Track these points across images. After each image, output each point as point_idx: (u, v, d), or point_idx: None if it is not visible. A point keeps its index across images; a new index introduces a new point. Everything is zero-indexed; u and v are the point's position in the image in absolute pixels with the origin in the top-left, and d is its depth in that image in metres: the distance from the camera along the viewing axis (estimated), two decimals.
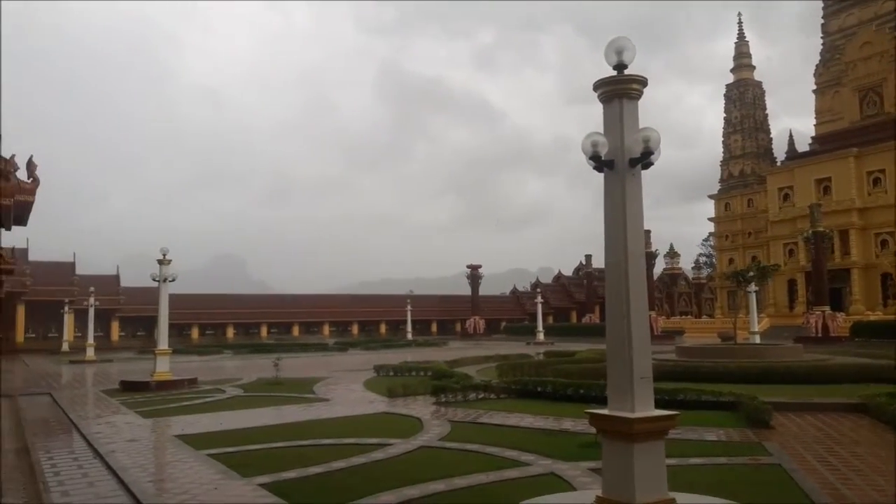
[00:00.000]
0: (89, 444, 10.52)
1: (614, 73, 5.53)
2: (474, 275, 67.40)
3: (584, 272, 71.85)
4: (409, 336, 55.43)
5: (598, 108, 5.67)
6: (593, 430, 6.81)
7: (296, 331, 63.49)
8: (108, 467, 8.79)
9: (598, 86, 5.59)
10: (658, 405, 5.53)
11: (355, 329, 66.08)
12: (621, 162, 5.44)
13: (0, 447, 10.77)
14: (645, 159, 5.40)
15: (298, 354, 36.87)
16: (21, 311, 50.82)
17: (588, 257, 72.57)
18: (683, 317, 65.89)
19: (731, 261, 66.82)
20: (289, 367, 23.85)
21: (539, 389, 14.86)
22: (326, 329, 65.33)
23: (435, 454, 9.22)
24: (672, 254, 69.48)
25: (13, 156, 15.85)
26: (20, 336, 50.99)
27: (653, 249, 55.45)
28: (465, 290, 68.65)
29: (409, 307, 58.44)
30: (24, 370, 29.85)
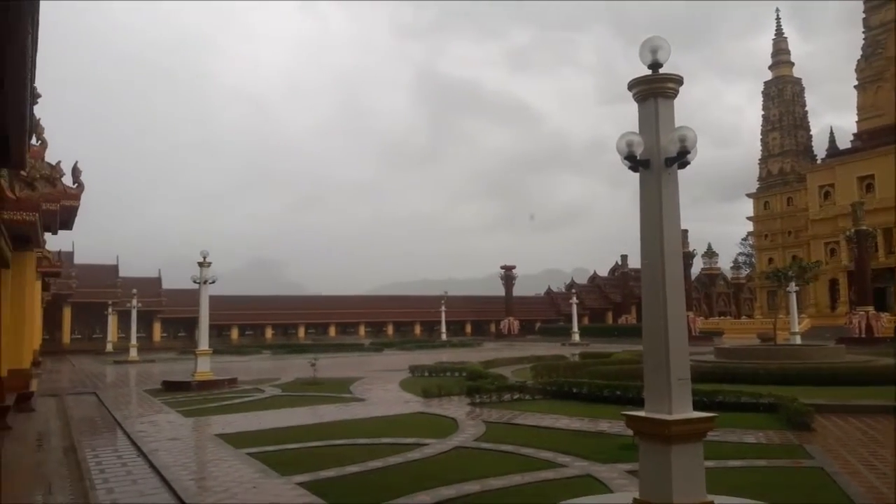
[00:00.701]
0: (133, 443, 10.78)
1: (649, 71, 5.50)
2: (508, 275, 67.24)
3: (620, 272, 71.22)
4: (444, 337, 55.54)
5: (634, 107, 5.64)
6: (630, 431, 6.75)
7: (332, 331, 64.11)
8: (151, 465, 9.00)
9: (633, 85, 5.56)
10: (696, 407, 5.48)
11: (390, 330, 66.46)
12: (657, 161, 5.40)
13: (49, 445, 11.11)
14: (681, 158, 5.36)
15: (335, 355, 37.24)
16: (67, 313, 52.22)
17: (624, 257, 71.92)
18: (722, 317, 64.80)
19: (770, 260, 65.53)
20: (325, 367, 24.12)
21: (574, 391, 14.79)
22: (362, 330, 65.82)
23: (470, 455, 9.25)
24: (710, 254, 68.44)
25: (59, 162, 16.34)
26: (66, 337, 52.40)
27: (690, 249, 54.67)
28: (499, 290, 68.52)
29: (443, 308, 58.55)
30: (71, 370, 30.67)
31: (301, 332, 63.11)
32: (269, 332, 61.69)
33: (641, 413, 5.44)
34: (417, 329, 67.44)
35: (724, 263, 73.59)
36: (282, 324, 62.96)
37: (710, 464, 6.36)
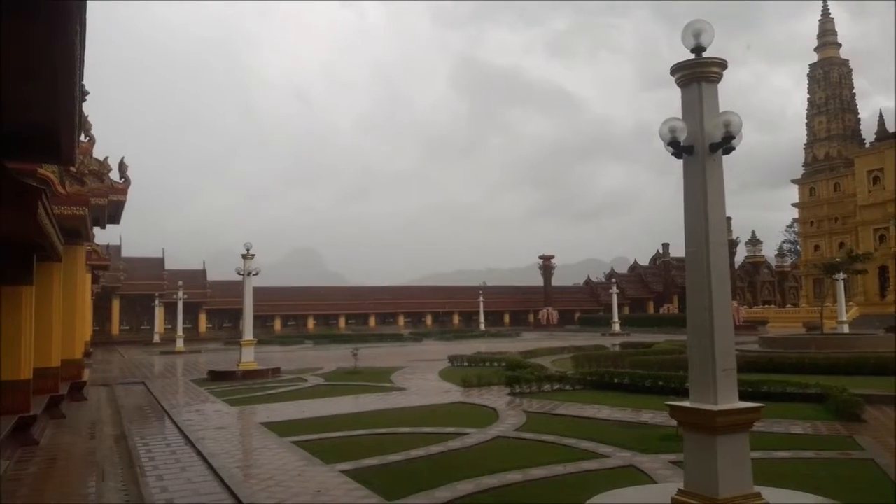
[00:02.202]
0: (181, 431, 11.05)
1: (692, 56, 5.39)
2: (547, 265, 66.87)
3: (662, 261, 70.22)
4: (482, 327, 55.55)
5: (677, 92, 5.54)
6: (673, 422, 6.69)
7: (372, 321, 64.64)
8: (199, 453, 9.22)
9: (675, 70, 5.46)
10: (741, 397, 5.39)
11: (429, 320, 66.73)
12: (701, 147, 5.31)
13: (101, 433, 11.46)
14: (726, 144, 5.25)
15: (375, 345, 37.57)
16: (116, 305, 53.64)
17: (665, 246, 70.85)
18: (766, 306, 63.50)
19: (816, 247, 63.93)
20: (366, 356, 24.34)
21: (616, 381, 14.68)
22: (401, 320, 66.19)
23: (511, 444, 9.25)
24: (754, 241, 67.07)
25: (106, 158, 16.74)
26: (115, 328, 53.85)
27: (734, 237, 53.64)
28: (538, 280, 68.19)
29: (481, 298, 58.52)
30: (120, 360, 31.53)
31: (342, 322, 63.76)
32: (310, 323, 62.46)
33: (686, 403, 5.38)
34: (456, 319, 67.54)
35: (769, 251, 72.08)
36: (323, 314, 63.67)
37: (755, 455, 6.25)
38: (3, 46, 4.87)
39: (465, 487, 6.89)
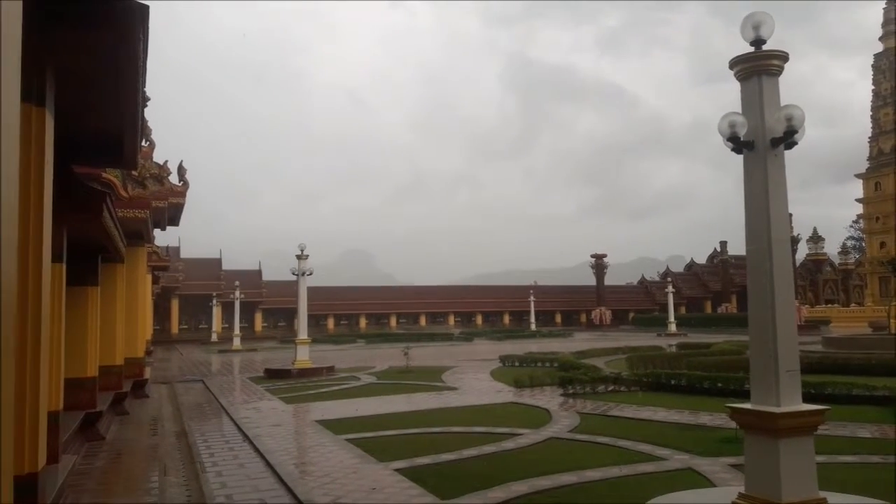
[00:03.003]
0: (238, 428, 11.31)
1: (751, 49, 5.25)
2: (599, 264, 66.06)
3: (719, 259, 68.53)
4: (533, 327, 55.23)
5: (735, 87, 5.40)
6: (732, 424, 6.52)
7: (423, 321, 64.94)
8: (256, 450, 9.42)
9: (734, 63, 5.32)
10: (804, 399, 5.23)
11: (479, 319, 66.68)
12: (762, 142, 5.16)
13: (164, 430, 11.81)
14: (788, 139, 5.09)
15: (426, 344, 37.76)
16: (175, 305, 55.22)
17: (723, 244, 69.13)
18: (829, 305, 61.37)
19: (882, 244, 61.46)
20: (417, 356, 24.48)
21: (672, 382, 14.41)
22: (451, 319, 66.34)
23: (565, 446, 9.17)
24: (816, 238, 64.93)
25: (166, 161, 17.24)
26: (175, 327, 55.44)
27: (795, 234, 52.01)
28: (589, 280, 67.40)
29: (532, 298, 58.19)
30: (179, 359, 32.45)
31: (393, 321, 64.26)
32: (362, 322, 63.17)
33: (747, 405, 5.24)
34: (506, 319, 67.33)
35: (831, 249, 69.60)
36: (375, 313, 64.30)
37: (820, 458, 6.05)
38: (70, 54, 5.06)
39: (518, 488, 6.86)
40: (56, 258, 6.34)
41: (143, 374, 17.14)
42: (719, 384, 13.34)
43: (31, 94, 4.68)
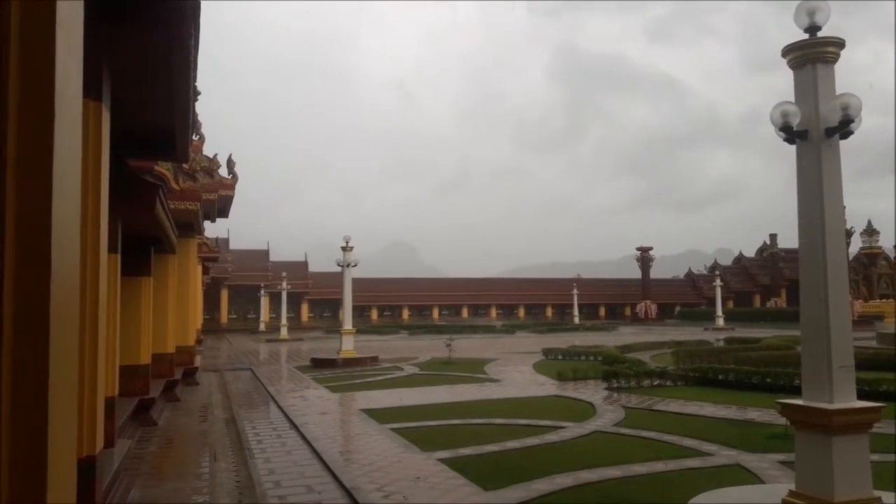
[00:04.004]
0: (286, 416, 11.52)
1: (806, 36, 5.10)
2: (645, 257, 65.15)
3: (769, 253, 66.91)
4: (576, 320, 54.83)
5: (788, 75, 5.25)
6: (782, 420, 6.40)
7: (465, 313, 65.07)
8: (303, 437, 9.59)
9: (788, 51, 5.18)
10: (858, 396, 5.08)
11: (521, 312, 66.49)
12: (816, 132, 5.01)
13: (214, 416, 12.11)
14: (843, 128, 4.94)
15: (468, 336, 37.81)
16: (224, 295, 56.43)
17: (773, 237, 67.50)
18: (884, 300, 59.34)
19: None
20: (459, 347, 24.53)
21: (720, 377, 14.17)
22: (494, 311, 66.28)
23: (610, 439, 9.10)
24: (870, 231, 62.84)
25: (215, 155, 17.61)
26: (224, 317, 56.67)
27: (848, 227, 50.44)
28: (634, 273, 66.51)
29: (575, 290, 57.73)
30: (228, 348, 33.17)
31: (435, 313, 64.53)
32: (405, 313, 63.61)
33: (798, 401, 5.12)
34: (549, 312, 66.97)
35: (886, 242, 67.22)
36: (417, 305, 64.67)
37: (874, 457, 5.88)
38: (125, 51, 5.21)
39: (562, 481, 6.84)
40: (112, 249, 6.54)
41: (193, 362, 17.58)
42: (768, 379, 13.07)
43: (89, 89, 4.83)
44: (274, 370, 20.63)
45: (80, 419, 4.62)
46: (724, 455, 7.90)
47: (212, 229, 30.26)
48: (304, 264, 61.61)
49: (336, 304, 50.87)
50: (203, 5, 4.81)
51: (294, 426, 10.50)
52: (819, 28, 5.06)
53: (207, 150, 17.50)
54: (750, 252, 73.01)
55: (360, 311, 55.87)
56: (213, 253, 32.50)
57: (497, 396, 13.48)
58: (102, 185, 5.07)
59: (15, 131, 1.35)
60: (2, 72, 1.34)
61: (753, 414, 10.62)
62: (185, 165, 14.62)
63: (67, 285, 1.54)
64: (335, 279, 31.81)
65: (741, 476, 6.94)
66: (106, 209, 5.18)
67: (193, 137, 15.85)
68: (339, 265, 22.78)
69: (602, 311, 68.33)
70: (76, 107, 1.63)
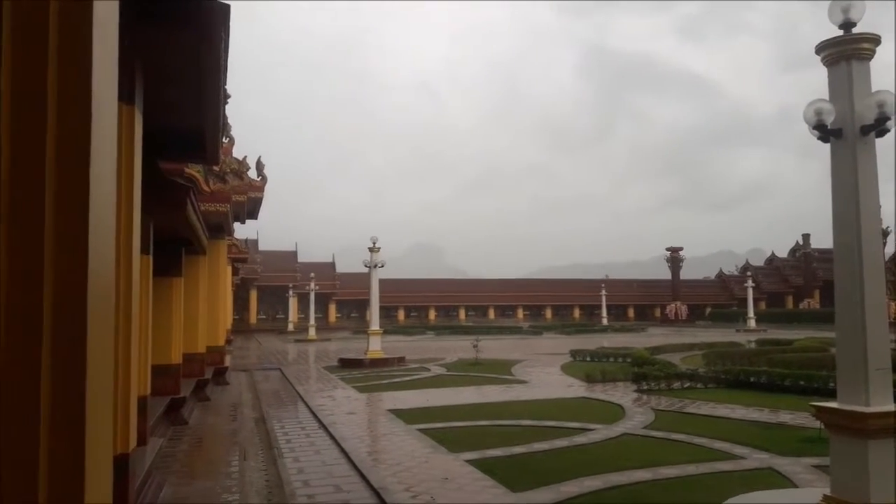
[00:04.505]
0: (314, 416, 11.60)
1: (840, 32, 5.00)
2: (674, 258, 64.46)
3: (802, 253, 65.79)
4: (604, 321, 54.41)
5: (822, 73, 5.16)
6: (815, 423, 6.29)
7: (491, 314, 64.99)
8: (331, 437, 9.64)
9: (822, 48, 5.09)
10: (895, 399, 4.97)
11: (548, 313, 66.19)
12: (851, 130, 4.92)
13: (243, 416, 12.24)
14: (879, 126, 4.84)
15: (494, 337, 37.74)
16: (253, 296, 57.09)
17: (805, 237, 66.35)
18: None
19: None
20: (486, 348, 24.51)
21: (752, 379, 13.98)
22: (520, 312, 66.09)
23: (639, 442, 9.01)
24: None
25: (245, 157, 17.80)
26: (253, 317, 57.33)
27: (884, 227, 49.33)
28: (661, 273, 65.86)
29: (603, 291, 57.32)
30: (257, 348, 33.52)
31: (462, 314, 64.56)
32: (431, 314, 63.73)
33: (833, 404, 5.03)
34: (576, 313, 66.59)
35: None
36: (444, 306, 64.77)
37: None
38: (156, 53, 5.29)
39: (591, 483, 6.79)
40: (143, 249, 6.64)
41: (223, 361, 17.79)
42: (801, 382, 12.85)
43: (122, 92, 4.91)
44: (302, 370, 20.79)
45: (114, 418, 4.69)
46: (756, 458, 7.78)
47: (241, 231, 30.62)
48: (332, 265, 62.06)
49: (363, 305, 51.20)
50: (232, 6, 4.86)
51: (322, 426, 10.57)
52: (854, 24, 4.97)
53: (236, 152, 17.72)
54: (782, 252, 71.90)
55: (386, 312, 56.10)
56: (243, 254, 32.87)
57: (524, 398, 13.43)
58: (135, 188, 5.15)
59: (54, 136, 1.38)
60: (41, 74, 1.36)
61: (786, 417, 10.45)
62: (215, 168, 14.81)
63: (104, 286, 1.56)
64: (362, 280, 32.01)
65: (774, 480, 6.83)
66: (139, 211, 5.27)
67: (223, 140, 16.06)
68: (366, 266, 22.90)
69: (631, 313, 67.76)
70: (112, 110, 1.65)
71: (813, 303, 59.09)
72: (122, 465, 4.96)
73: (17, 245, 1.32)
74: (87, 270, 1.40)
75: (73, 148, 1.40)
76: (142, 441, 6.36)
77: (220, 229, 16.33)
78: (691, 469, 7.35)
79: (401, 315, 62.41)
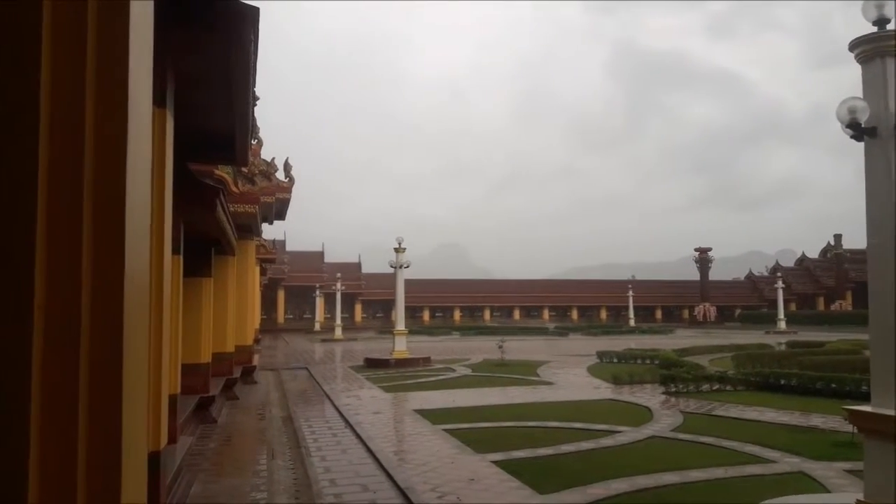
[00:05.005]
0: (341, 415, 11.68)
1: (874, 29, 4.91)
2: (703, 258, 63.68)
3: (833, 254, 64.59)
4: (632, 322, 53.96)
5: (855, 70, 5.07)
6: (848, 427, 6.17)
7: (517, 314, 64.81)
8: (358, 436, 9.70)
9: (856, 45, 4.99)
10: None
11: (575, 314, 65.81)
12: (886, 129, 4.82)
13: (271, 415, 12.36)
14: None
15: (520, 338, 37.63)
16: (281, 295, 57.59)
17: (837, 237, 65.12)
18: None
19: None
20: (511, 349, 24.44)
21: (782, 382, 13.78)
22: (546, 313, 65.80)
23: (667, 445, 8.93)
24: None
25: (273, 158, 17.97)
26: (280, 317, 57.83)
27: None
28: (689, 274, 65.12)
29: (630, 293, 56.84)
30: (285, 347, 33.81)
31: (487, 314, 64.46)
32: (457, 314, 63.72)
33: (867, 408, 4.93)
34: (603, 314, 66.13)
35: None
36: (469, 306, 64.73)
37: None
38: (186, 56, 5.37)
39: (619, 486, 6.74)
40: (174, 250, 6.73)
41: (251, 361, 17.97)
42: (833, 385, 12.64)
43: (155, 95, 4.98)
44: (329, 370, 20.93)
45: (146, 416, 4.77)
46: (787, 462, 7.66)
47: (269, 231, 30.95)
48: (358, 265, 62.38)
49: (389, 305, 51.34)
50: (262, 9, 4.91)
51: (349, 425, 10.63)
52: (888, 21, 4.87)
53: (265, 154, 17.89)
54: (813, 253, 70.69)
55: (412, 312, 56.18)
56: (271, 254, 33.19)
57: (551, 399, 13.38)
58: (167, 190, 5.23)
59: (92, 139, 1.40)
60: (79, 77, 1.39)
61: (817, 420, 10.28)
62: (244, 169, 14.97)
63: (139, 287, 1.59)
64: (388, 280, 32.15)
65: (805, 484, 6.73)
66: (170, 212, 5.35)
67: (252, 141, 16.22)
68: (391, 266, 22.99)
69: (658, 314, 67.12)
70: (147, 114, 1.68)
71: (845, 304, 57.99)
72: (153, 462, 5.03)
73: (56, 247, 1.35)
74: (123, 271, 1.43)
75: (111, 151, 1.43)
76: (172, 439, 6.45)
77: (248, 230, 16.51)
78: (720, 473, 7.26)
79: (426, 315, 62.50)
